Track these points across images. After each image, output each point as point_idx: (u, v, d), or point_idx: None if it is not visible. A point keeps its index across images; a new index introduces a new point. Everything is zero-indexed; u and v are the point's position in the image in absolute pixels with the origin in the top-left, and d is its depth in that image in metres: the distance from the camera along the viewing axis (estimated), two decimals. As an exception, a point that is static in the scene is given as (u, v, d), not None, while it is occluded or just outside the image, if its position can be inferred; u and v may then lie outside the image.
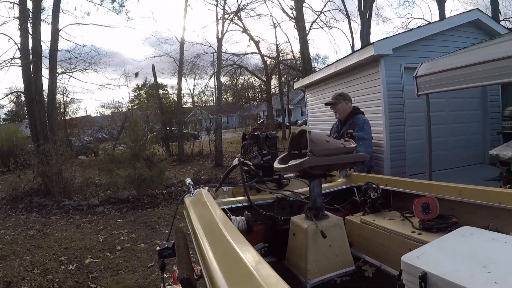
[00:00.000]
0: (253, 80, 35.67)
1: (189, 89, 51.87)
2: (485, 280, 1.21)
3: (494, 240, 1.53)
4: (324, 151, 2.26)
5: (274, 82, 33.97)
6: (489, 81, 4.61)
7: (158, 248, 2.39)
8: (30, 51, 11.91)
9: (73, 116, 19.76)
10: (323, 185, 3.20)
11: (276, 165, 2.55)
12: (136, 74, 26.84)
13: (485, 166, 8.17)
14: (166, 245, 2.38)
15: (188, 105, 33.23)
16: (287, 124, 32.40)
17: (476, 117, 8.51)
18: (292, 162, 2.36)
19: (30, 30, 11.81)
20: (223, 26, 19.19)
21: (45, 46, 12.66)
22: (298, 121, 33.40)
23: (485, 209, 2.26)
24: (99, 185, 10.78)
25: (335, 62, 8.64)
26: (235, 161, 3.14)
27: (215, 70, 19.20)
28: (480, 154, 8.34)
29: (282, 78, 33.64)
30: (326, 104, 4.55)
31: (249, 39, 28.44)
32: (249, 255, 1.37)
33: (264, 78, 31.30)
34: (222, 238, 1.66)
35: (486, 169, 7.74)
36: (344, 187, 3.30)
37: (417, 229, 2.40)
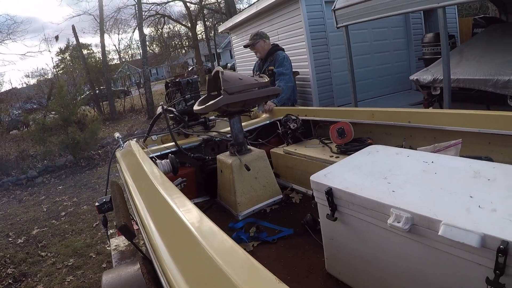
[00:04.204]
0: (179, 28, 34.46)
1: (114, 45, 49.42)
2: (384, 189, 1.34)
3: (397, 154, 1.68)
4: (237, 88, 2.33)
5: (199, 27, 33.06)
6: (410, 8, 4.64)
7: (96, 204, 2.42)
8: None
9: (-2, 92, 18.37)
10: (248, 122, 3.31)
11: (195, 107, 2.60)
12: (57, 38, 25.06)
13: (412, 92, 8.62)
14: (104, 200, 2.40)
15: (115, 61, 31.72)
16: (217, 68, 31.61)
17: (400, 45, 8.87)
18: (210, 103, 2.42)
19: None
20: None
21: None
22: (228, 64, 32.64)
23: (399, 129, 2.45)
24: (34, 156, 10.30)
25: (256, 1, 8.54)
26: (159, 109, 3.14)
27: (138, 22, 18.29)
28: (406, 80, 8.63)
29: (208, 23, 32.79)
30: (245, 46, 4.55)
31: (170, -14, 27.20)
32: (171, 193, 1.46)
33: (189, 25, 30.31)
34: (148, 182, 1.73)
35: (413, 94, 8.20)
36: (267, 122, 3.43)
37: (334, 153, 2.58)
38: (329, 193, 1.46)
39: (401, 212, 1.17)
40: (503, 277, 0.96)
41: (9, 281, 4.13)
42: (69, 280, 3.93)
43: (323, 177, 1.56)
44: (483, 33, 6.09)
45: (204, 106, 2.42)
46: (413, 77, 5.35)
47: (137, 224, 2.20)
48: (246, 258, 0.88)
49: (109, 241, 2.95)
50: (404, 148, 2.14)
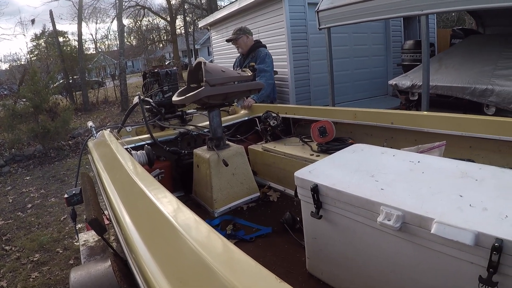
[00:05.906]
0: (158, 22, 34.02)
1: (91, 35, 48.51)
2: (372, 187, 1.29)
3: (383, 153, 1.65)
4: (219, 80, 2.25)
5: (179, 22, 32.68)
6: (394, 14, 4.66)
7: (65, 196, 2.31)
8: None
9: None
10: (226, 118, 3.24)
11: (174, 98, 2.51)
12: (33, 21, 24.36)
13: (388, 97, 8.78)
14: (74, 192, 2.31)
15: (91, 51, 31.08)
16: (194, 64, 31.42)
17: (379, 51, 8.98)
18: (190, 94, 2.34)
19: None
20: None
21: None
22: (206, 60, 32.54)
23: (380, 130, 2.44)
24: (2, 144, 9.93)
25: (239, -2, 8.48)
26: (136, 100, 3.03)
27: (117, 11, 17.92)
28: (383, 86, 8.86)
29: (188, 18, 32.51)
30: (227, 40, 4.48)
31: (152, -23, 26.91)
32: (147, 183, 1.38)
33: (168, 19, 29.98)
34: (123, 173, 1.64)
35: (389, 100, 8.34)
36: (246, 118, 3.36)
37: (315, 152, 2.54)
38: (315, 189, 1.41)
39: (392, 210, 1.12)
40: (496, 275, 0.95)
41: (-30, 276, 3.91)
42: (34, 276, 3.74)
43: (308, 174, 1.51)
44: (462, 43, 6.22)
45: (183, 97, 2.34)
46: (392, 82, 5.40)
47: (107, 218, 2.11)
48: (244, 257, 0.80)
49: (77, 236, 2.81)
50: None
